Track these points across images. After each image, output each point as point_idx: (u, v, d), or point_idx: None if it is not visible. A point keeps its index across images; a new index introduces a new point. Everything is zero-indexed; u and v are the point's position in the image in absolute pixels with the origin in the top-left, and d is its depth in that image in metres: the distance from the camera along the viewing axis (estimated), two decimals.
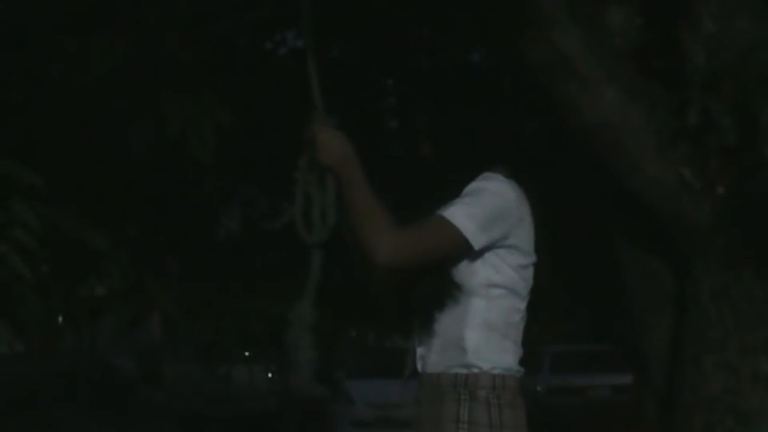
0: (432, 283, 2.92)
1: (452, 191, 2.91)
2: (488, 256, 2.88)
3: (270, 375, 20.41)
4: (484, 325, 2.88)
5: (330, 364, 19.95)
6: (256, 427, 18.36)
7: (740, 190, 4.35)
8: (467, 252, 2.85)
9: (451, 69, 3.20)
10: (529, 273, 2.95)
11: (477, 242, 2.83)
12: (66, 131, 4.67)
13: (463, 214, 2.83)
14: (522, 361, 2.97)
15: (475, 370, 2.86)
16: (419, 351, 2.99)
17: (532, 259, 2.95)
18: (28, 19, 4.43)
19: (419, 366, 2.98)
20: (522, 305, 2.94)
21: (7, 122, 4.44)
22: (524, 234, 2.93)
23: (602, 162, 4.53)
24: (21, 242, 3.77)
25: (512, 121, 3.12)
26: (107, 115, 4.62)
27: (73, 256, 4.60)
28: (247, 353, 19.34)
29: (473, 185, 2.91)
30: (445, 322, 2.92)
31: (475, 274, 2.89)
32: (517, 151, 3.08)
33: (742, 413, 4.39)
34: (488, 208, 2.86)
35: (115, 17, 4.56)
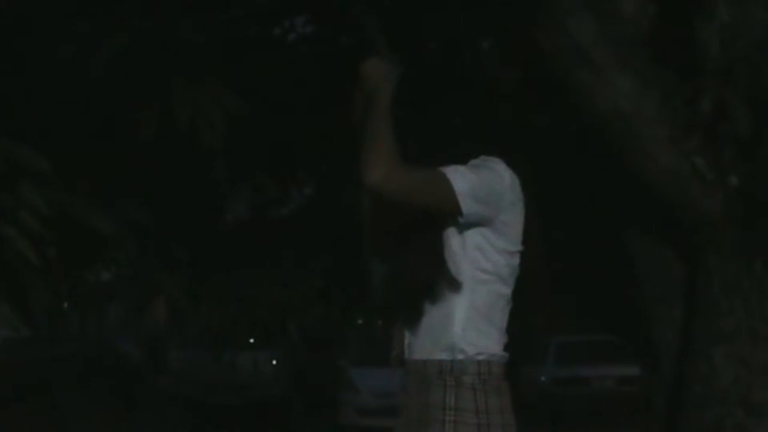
0: (422, 272, 2.93)
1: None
2: (475, 238, 2.90)
3: (275, 362, 20.42)
4: (469, 309, 2.91)
5: (336, 352, 19.98)
6: (261, 414, 18.39)
7: (753, 181, 4.32)
8: (454, 216, 2.87)
9: (458, 58, 3.22)
10: (515, 260, 2.97)
11: (466, 207, 2.85)
12: (76, 115, 4.65)
13: (461, 176, 2.86)
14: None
15: (461, 356, 2.89)
16: (406, 337, 3.01)
17: (519, 247, 2.97)
18: (39, 2, 4.41)
19: (406, 353, 3.00)
20: (507, 291, 2.97)
21: (17, 105, 4.43)
22: (514, 220, 2.95)
23: (614, 151, 4.50)
24: (28, 226, 3.76)
25: (519, 112, 3.14)
26: (117, 99, 4.60)
27: (80, 240, 4.58)
28: (252, 340, 19.35)
29: (475, 161, 2.94)
30: (430, 308, 2.94)
31: (462, 257, 2.90)
32: (523, 142, 3.09)
33: (753, 405, 4.37)
34: (485, 182, 2.89)
35: (126, 1, 4.54)
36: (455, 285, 2.89)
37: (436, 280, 2.91)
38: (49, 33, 4.50)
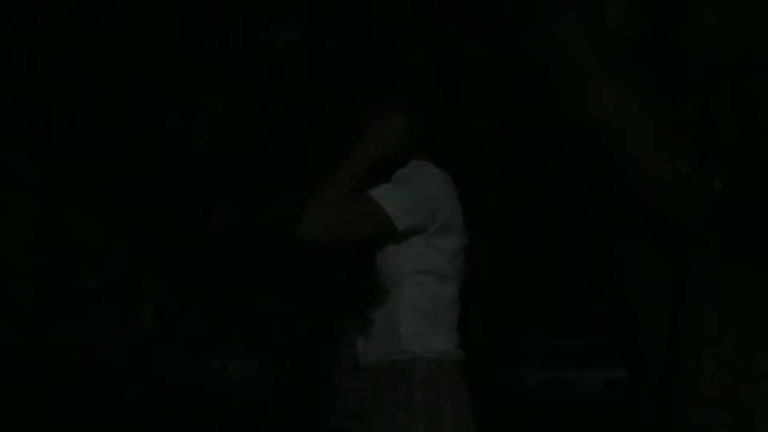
0: (363, 281, 2.99)
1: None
2: (414, 241, 2.97)
3: (261, 366, 20.43)
4: (413, 312, 2.97)
5: (322, 356, 19.98)
6: (248, 418, 18.38)
7: (738, 185, 4.35)
8: (392, 234, 2.93)
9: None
10: (459, 257, 3.04)
11: (400, 223, 2.92)
12: (67, 123, 4.66)
13: (389, 195, 2.92)
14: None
15: (411, 356, 2.94)
16: (359, 343, 3.07)
17: (463, 242, 3.02)
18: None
19: (360, 358, 3.06)
20: (452, 289, 3.03)
21: (9, 115, 4.44)
22: (452, 218, 3.00)
23: (601, 155, 4.53)
24: (17, 232, 3.76)
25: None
26: (109, 108, 4.61)
27: (70, 247, 4.59)
28: (237, 345, 19.36)
29: (401, 172, 3.00)
30: (378, 312, 2.99)
31: (402, 261, 2.96)
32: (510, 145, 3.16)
33: (739, 408, 4.39)
34: (415, 192, 2.95)
35: (113, 10, 4.55)
36: (396, 286, 2.95)
37: (374, 290, 2.97)
38: (37, 38, 4.50)
